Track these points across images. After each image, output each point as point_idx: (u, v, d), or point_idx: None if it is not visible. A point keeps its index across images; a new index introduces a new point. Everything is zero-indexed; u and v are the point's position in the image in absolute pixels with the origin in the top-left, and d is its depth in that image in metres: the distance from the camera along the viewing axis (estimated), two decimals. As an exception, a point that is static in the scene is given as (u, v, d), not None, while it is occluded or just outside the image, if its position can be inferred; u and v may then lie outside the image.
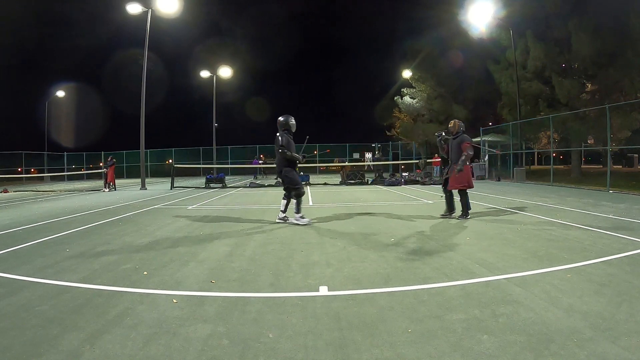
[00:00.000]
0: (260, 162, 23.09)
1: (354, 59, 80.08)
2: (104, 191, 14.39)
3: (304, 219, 5.82)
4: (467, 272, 3.21)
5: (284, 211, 5.98)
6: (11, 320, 2.38)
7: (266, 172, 23.31)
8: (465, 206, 5.99)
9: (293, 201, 5.95)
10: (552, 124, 14.70)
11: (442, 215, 6.15)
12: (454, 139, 6.17)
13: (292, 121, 5.94)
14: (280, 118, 5.92)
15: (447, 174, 6.22)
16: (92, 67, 60.33)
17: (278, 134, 5.83)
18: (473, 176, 13.78)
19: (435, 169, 19.03)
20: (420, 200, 9.19)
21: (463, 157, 5.90)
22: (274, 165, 6.38)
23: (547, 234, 4.72)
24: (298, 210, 5.85)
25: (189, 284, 3.06)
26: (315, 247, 4.27)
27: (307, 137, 6.93)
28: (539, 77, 17.32)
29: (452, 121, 6.31)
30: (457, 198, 6.17)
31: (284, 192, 6.05)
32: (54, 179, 26.71)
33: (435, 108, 25.43)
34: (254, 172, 23.44)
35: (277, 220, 5.98)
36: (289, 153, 5.73)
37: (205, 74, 24.41)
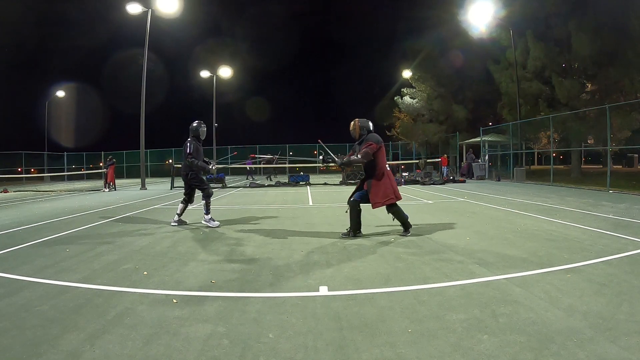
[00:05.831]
0: (251, 162, 21.77)
1: (354, 59, 79.94)
2: (104, 191, 14.39)
3: (214, 222, 5.72)
4: (467, 272, 3.21)
5: (180, 214, 5.92)
6: (11, 320, 2.38)
7: (270, 171, 22.33)
8: (404, 223, 4.81)
9: (187, 204, 5.92)
10: (552, 124, 14.70)
11: (344, 234, 4.83)
12: (359, 143, 4.81)
13: (203, 128, 5.85)
14: (193, 124, 5.83)
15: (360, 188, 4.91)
16: (92, 67, 60.09)
17: (188, 140, 5.71)
18: (403, 182, 13.52)
19: (443, 169, 18.92)
20: (420, 200, 9.19)
21: (352, 158, 4.73)
22: (283, 165, 6.23)
23: (547, 234, 4.72)
24: (207, 212, 5.74)
25: (189, 284, 3.06)
26: (315, 247, 4.27)
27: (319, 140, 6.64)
28: (539, 77, 17.32)
29: (352, 122, 4.85)
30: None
31: (184, 196, 5.94)
32: (54, 179, 26.71)
33: (435, 108, 25.41)
34: (247, 172, 22.29)
35: (172, 224, 5.85)
36: (196, 162, 5.63)
37: (205, 74, 24.40)
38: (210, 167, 5.87)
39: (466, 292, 2.74)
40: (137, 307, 2.57)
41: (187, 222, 6.02)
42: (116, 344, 2.05)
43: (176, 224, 5.87)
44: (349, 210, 4.80)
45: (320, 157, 4.99)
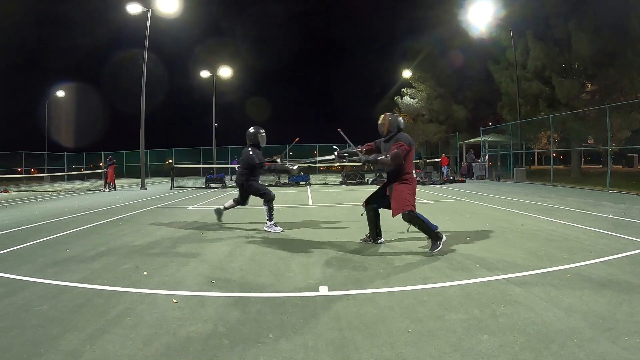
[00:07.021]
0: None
1: (353, 59, 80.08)
2: (104, 191, 14.39)
3: (277, 228, 5.30)
4: (467, 272, 3.21)
5: (226, 208, 5.89)
6: (11, 320, 2.38)
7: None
8: (433, 234, 3.87)
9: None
10: (552, 124, 14.70)
11: (363, 240, 4.42)
12: (386, 141, 4.15)
13: (262, 134, 5.53)
14: (250, 130, 5.52)
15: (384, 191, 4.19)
16: (92, 67, 60.26)
17: (249, 150, 5.43)
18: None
19: (443, 169, 18.91)
20: (420, 200, 9.17)
21: (380, 157, 3.98)
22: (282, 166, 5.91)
23: (547, 234, 4.72)
24: (270, 218, 5.37)
25: (189, 284, 3.06)
26: (315, 247, 4.27)
27: (297, 139, 6.51)
28: (539, 77, 17.32)
29: (382, 115, 4.16)
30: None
31: (238, 197, 5.73)
32: (54, 179, 26.71)
33: (435, 108, 25.40)
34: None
35: (215, 208, 6.06)
36: (273, 166, 5.49)
37: (205, 74, 24.40)
38: (290, 167, 5.55)
39: (466, 292, 2.74)
40: (137, 307, 2.57)
41: (223, 222, 5.96)
42: (116, 344, 2.05)
43: (216, 213, 5.97)
44: (364, 214, 4.35)
45: (335, 153, 4.16)
